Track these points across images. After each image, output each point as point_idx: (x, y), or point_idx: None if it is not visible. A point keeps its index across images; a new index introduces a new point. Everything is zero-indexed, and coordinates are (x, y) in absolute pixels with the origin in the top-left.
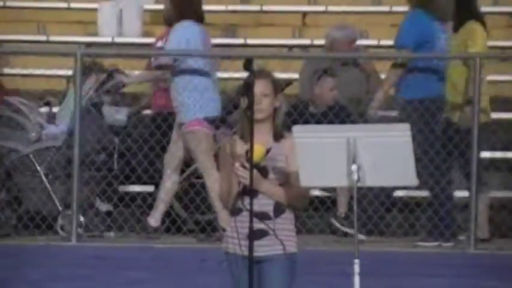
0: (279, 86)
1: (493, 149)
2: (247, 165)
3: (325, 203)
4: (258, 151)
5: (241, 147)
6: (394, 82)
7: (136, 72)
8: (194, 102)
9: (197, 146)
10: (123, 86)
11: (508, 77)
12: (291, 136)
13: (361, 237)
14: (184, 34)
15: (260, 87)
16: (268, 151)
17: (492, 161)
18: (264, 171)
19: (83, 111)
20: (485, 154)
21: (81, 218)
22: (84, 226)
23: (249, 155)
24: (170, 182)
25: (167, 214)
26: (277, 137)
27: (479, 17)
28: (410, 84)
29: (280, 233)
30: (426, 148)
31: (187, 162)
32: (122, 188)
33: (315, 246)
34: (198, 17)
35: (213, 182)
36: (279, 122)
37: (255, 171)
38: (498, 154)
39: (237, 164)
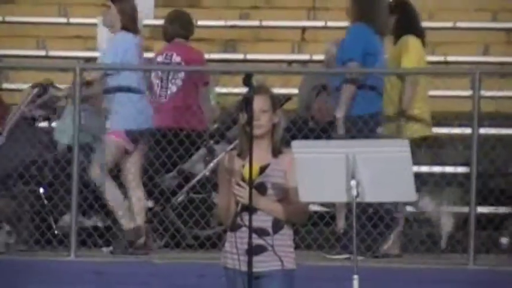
0: (277, 102)
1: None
2: (242, 183)
3: (324, 218)
4: (252, 169)
5: (238, 164)
6: (350, 99)
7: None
8: (122, 113)
9: (106, 153)
10: (57, 100)
11: (507, 92)
12: (289, 152)
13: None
14: (124, 44)
15: (259, 103)
16: (264, 168)
17: (490, 175)
18: (262, 188)
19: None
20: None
21: (10, 236)
22: (15, 241)
23: (244, 172)
24: (134, 198)
25: (166, 229)
26: (276, 152)
27: (419, 32)
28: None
29: (279, 249)
30: None
31: (187, 177)
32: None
33: (314, 262)
34: (135, 29)
35: (108, 189)
36: (278, 137)
37: (254, 192)
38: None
39: (233, 183)
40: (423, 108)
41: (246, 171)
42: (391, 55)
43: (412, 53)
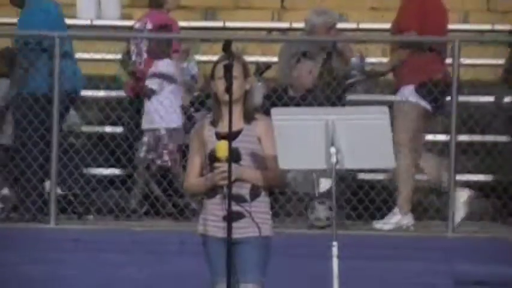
0: (249, 69)
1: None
2: (220, 165)
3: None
4: (223, 146)
5: (209, 132)
6: None
7: None
8: None
9: None
10: None
11: (486, 60)
12: (263, 118)
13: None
14: None
15: None
16: (236, 134)
17: (467, 143)
18: (236, 154)
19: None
20: None
21: None
22: None
23: (217, 149)
24: None
25: (146, 197)
26: (248, 119)
27: None
28: None
29: (256, 215)
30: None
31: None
32: (99, 171)
33: (293, 229)
34: None
35: None
36: (250, 104)
37: (234, 165)
38: (476, 138)
39: (215, 169)
40: None
41: (218, 149)
42: None
43: None
